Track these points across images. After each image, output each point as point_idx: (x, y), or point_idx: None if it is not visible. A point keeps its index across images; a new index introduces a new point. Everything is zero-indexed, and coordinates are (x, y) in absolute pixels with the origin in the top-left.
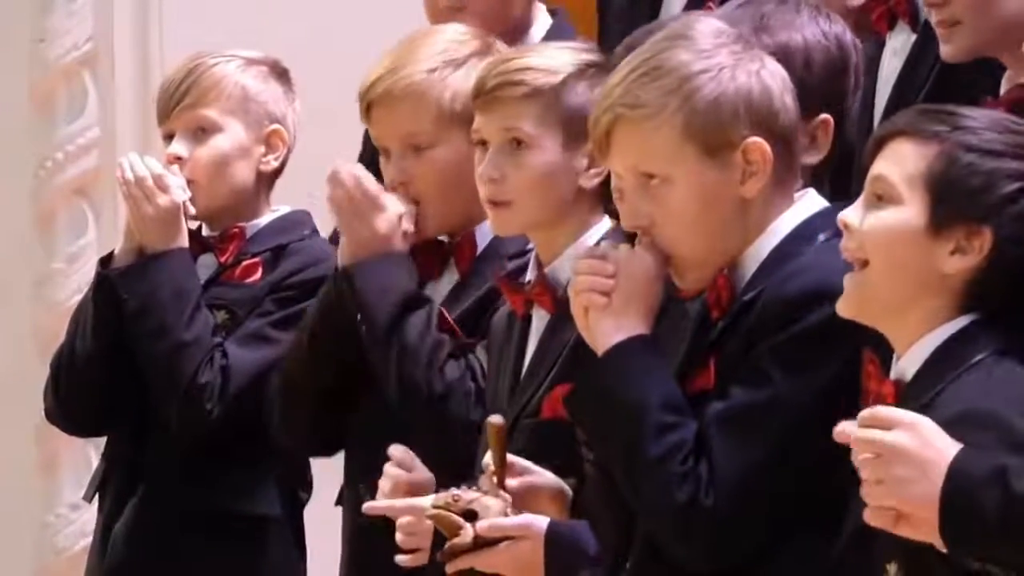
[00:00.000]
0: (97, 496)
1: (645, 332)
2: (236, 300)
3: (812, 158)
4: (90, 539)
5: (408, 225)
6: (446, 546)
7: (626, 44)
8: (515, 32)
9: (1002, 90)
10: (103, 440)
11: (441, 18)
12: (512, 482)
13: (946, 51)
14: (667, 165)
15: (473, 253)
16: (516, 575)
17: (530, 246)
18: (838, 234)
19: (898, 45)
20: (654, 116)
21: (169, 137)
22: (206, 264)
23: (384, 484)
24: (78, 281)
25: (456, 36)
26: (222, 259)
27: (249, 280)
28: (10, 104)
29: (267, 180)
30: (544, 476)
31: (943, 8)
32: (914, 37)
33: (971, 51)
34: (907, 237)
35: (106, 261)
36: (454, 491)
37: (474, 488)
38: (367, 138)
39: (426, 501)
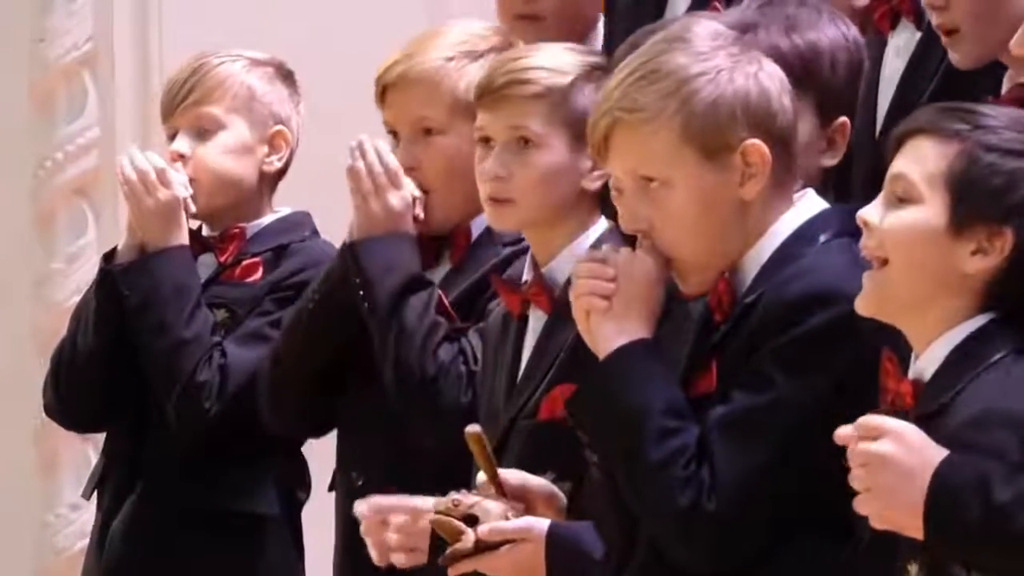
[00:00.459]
0: (96, 494)
1: (647, 336)
2: (236, 299)
3: (829, 161)
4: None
5: (419, 211)
6: (448, 551)
7: (630, 43)
8: (585, 32)
9: (1003, 89)
10: (102, 439)
11: (515, 25)
12: (508, 475)
13: (954, 59)
14: (666, 168)
15: (467, 242)
16: None
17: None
18: (838, 235)
19: (901, 44)
20: (652, 119)
21: (172, 135)
22: (206, 264)
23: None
24: (78, 281)
25: (478, 31)
26: (222, 259)
27: (249, 279)
28: (10, 104)
29: (270, 181)
30: (537, 481)
31: (943, 12)
32: (918, 36)
33: (980, 58)
34: (927, 237)
35: (109, 257)
36: (454, 496)
37: (474, 492)
38: None
39: (421, 501)
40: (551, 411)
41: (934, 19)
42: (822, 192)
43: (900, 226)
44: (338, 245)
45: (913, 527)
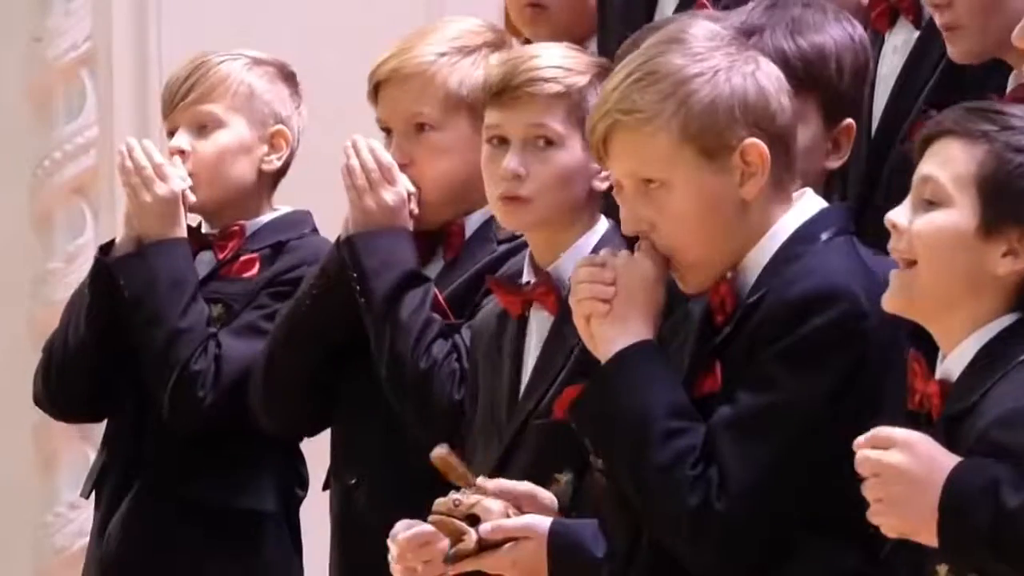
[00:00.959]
0: (95, 493)
1: (648, 338)
2: (233, 294)
3: (834, 163)
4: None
5: (414, 206)
6: (450, 551)
7: (633, 39)
8: (590, 28)
9: (1008, 88)
10: (101, 439)
11: (523, 17)
12: (487, 484)
13: (952, 53)
14: (665, 169)
15: (462, 239)
16: None
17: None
18: (838, 233)
19: (899, 43)
20: (651, 121)
21: (172, 132)
22: (205, 261)
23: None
24: (76, 280)
25: (472, 27)
26: (221, 256)
27: (247, 275)
28: (8, 103)
29: (269, 180)
30: (520, 485)
31: (946, 10)
32: (916, 34)
33: (977, 54)
34: (958, 240)
35: (106, 250)
36: (454, 496)
37: (475, 492)
38: None
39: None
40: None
41: (937, 18)
42: (824, 192)
43: (930, 229)
44: None
45: (927, 536)
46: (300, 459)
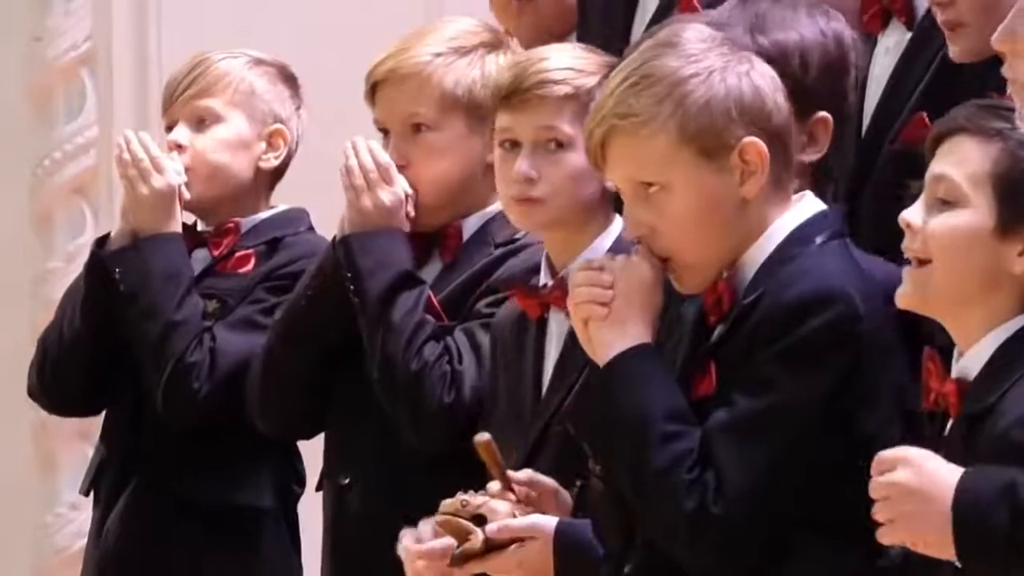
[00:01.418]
0: (93, 490)
1: (646, 341)
2: (228, 290)
3: (811, 156)
4: None
5: (411, 208)
6: (457, 551)
7: (633, 46)
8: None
9: (1009, 88)
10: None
11: (508, 10)
12: (517, 476)
13: (954, 52)
14: (664, 172)
15: (459, 242)
16: None
17: (519, 234)
18: (834, 236)
19: (891, 44)
20: (648, 124)
21: (171, 127)
22: (199, 259)
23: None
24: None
25: (468, 27)
26: (216, 253)
27: (242, 271)
28: (8, 103)
29: (266, 178)
30: (546, 480)
31: (949, 8)
32: (908, 35)
33: (978, 52)
34: (974, 240)
35: (102, 243)
36: (462, 496)
37: (481, 493)
38: None
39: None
40: None
41: (939, 16)
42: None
43: (946, 229)
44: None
45: (943, 548)
46: (298, 456)
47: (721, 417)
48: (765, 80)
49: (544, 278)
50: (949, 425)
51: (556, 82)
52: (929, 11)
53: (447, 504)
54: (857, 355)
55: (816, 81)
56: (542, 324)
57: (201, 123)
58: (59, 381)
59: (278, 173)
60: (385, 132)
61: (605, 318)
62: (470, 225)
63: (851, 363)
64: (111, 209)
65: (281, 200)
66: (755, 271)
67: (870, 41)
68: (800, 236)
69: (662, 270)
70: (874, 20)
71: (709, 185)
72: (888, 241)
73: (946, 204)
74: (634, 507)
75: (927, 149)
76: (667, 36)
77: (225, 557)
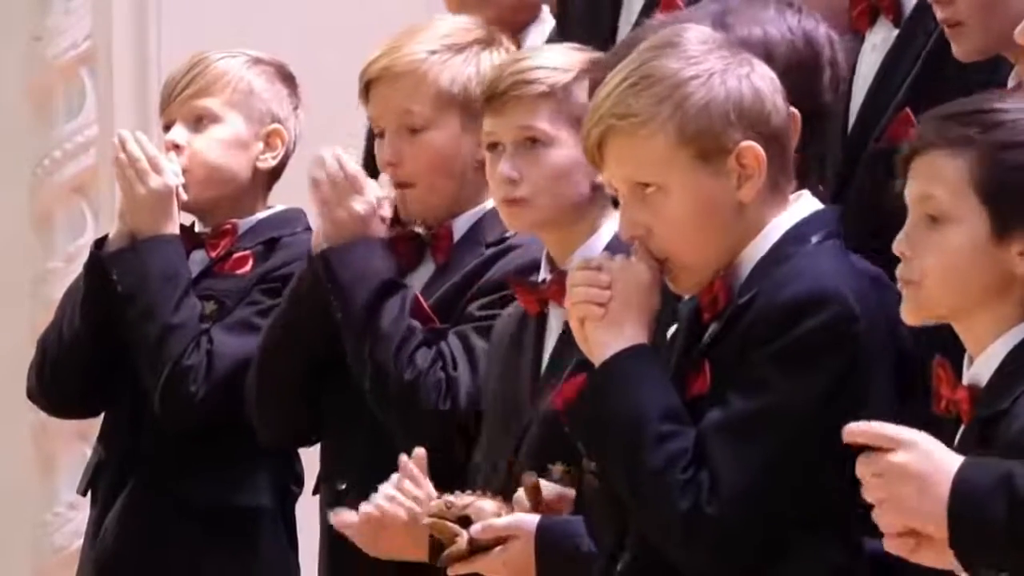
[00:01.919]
0: (91, 490)
1: (643, 341)
2: (225, 291)
3: None
4: None
5: (387, 211)
6: (444, 553)
7: (629, 40)
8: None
9: (1009, 86)
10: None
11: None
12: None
13: (957, 52)
14: (662, 173)
15: (450, 243)
16: None
17: (509, 233)
18: (829, 236)
19: (877, 41)
20: (646, 124)
21: (169, 126)
22: (197, 261)
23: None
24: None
25: (461, 24)
26: (213, 254)
27: (239, 272)
28: (8, 103)
29: (264, 178)
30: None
31: (948, 6)
32: (895, 33)
33: (981, 51)
34: (974, 253)
35: (100, 244)
36: (447, 497)
37: (467, 493)
38: (369, 135)
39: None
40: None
41: (939, 13)
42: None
43: (942, 255)
44: None
45: (935, 534)
46: (296, 456)
47: (716, 417)
48: (765, 82)
49: (544, 274)
50: (961, 431)
51: (529, 82)
52: (916, 8)
53: (432, 506)
54: (852, 355)
55: (783, 78)
56: (542, 320)
57: (199, 123)
58: (58, 382)
59: (276, 173)
60: (380, 131)
61: (602, 318)
62: (460, 225)
63: (847, 364)
64: (111, 209)
65: (279, 200)
66: (750, 271)
67: (858, 38)
68: (796, 235)
69: (659, 271)
70: (862, 17)
71: (706, 188)
72: (872, 238)
73: (935, 221)
74: (629, 506)
75: (899, 171)
76: (668, 36)
77: (223, 557)
